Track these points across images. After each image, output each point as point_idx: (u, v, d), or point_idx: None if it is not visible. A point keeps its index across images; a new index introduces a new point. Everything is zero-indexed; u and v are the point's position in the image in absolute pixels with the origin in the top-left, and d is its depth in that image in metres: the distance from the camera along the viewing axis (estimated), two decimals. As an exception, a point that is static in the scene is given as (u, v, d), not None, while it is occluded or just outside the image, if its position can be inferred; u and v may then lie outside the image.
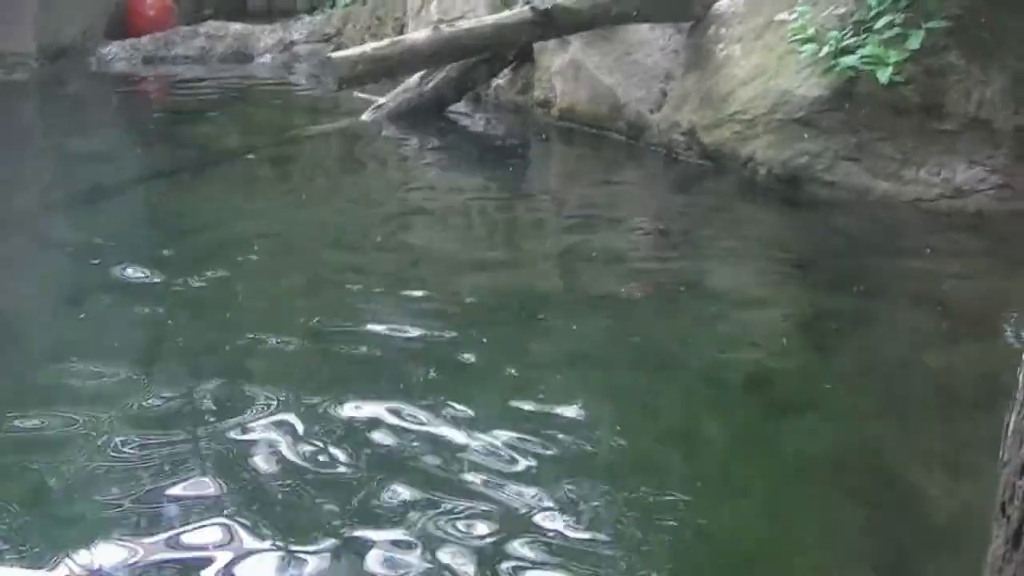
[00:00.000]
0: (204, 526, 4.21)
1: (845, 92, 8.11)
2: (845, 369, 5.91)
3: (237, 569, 3.97)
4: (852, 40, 8.07)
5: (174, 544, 4.09)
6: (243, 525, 4.19)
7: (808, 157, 8.25)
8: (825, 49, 8.11)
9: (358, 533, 4.19)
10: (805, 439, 5.19)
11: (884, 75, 7.74)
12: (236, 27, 13.99)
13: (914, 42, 7.83)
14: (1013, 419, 2.12)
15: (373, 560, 4.04)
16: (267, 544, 4.09)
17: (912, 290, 6.85)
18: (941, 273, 7.09)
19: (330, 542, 4.12)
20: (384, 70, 9.97)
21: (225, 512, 4.28)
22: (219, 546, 4.08)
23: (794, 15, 8.54)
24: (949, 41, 7.98)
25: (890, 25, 7.98)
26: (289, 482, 4.51)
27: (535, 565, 4.08)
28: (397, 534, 4.19)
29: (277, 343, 5.85)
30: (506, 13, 10.07)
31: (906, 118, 8.00)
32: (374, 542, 4.13)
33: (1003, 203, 7.79)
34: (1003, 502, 2.09)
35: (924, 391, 5.66)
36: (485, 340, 5.98)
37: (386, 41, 10.22)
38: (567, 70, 10.16)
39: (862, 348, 6.14)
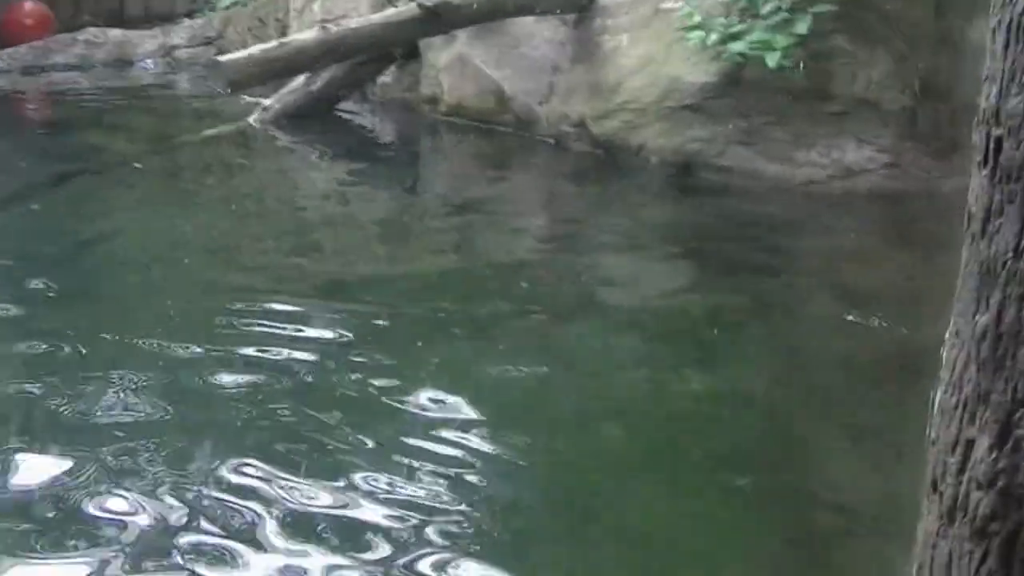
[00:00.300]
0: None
1: (734, 78, 8.17)
2: (748, 354, 5.94)
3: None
4: (739, 26, 8.12)
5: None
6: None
7: (700, 143, 8.30)
8: (713, 36, 8.15)
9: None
10: (709, 426, 5.21)
11: (773, 60, 7.80)
12: (115, 33, 13.75)
13: (801, 27, 7.89)
14: (939, 398, 2.12)
15: None
16: None
17: (809, 272, 6.91)
18: (836, 254, 7.16)
19: None
20: (274, 72, 9.86)
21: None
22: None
23: (680, 3, 8.58)
24: (836, 25, 8.06)
25: (776, 10, 8.04)
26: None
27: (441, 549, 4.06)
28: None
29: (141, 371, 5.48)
30: (394, 10, 10.00)
31: (795, 102, 8.08)
32: None
33: (893, 182, 7.89)
34: (934, 479, 2.09)
35: (827, 372, 5.71)
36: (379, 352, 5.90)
37: (274, 43, 10.11)
38: (454, 65, 10.12)
39: (763, 332, 6.19)
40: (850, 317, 6.16)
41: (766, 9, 8.07)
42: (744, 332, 6.23)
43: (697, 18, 8.32)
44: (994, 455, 1.92)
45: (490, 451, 4.76)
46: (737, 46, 8.01)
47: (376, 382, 5.35)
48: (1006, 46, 1.91)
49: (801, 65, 7.92)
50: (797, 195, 7.95)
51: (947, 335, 2.23)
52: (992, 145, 1.93)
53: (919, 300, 6.32)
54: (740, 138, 8.19)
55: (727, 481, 4.74)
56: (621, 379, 5.64)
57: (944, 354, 2.19)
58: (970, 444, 1.99)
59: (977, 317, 1.99)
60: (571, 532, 4.35)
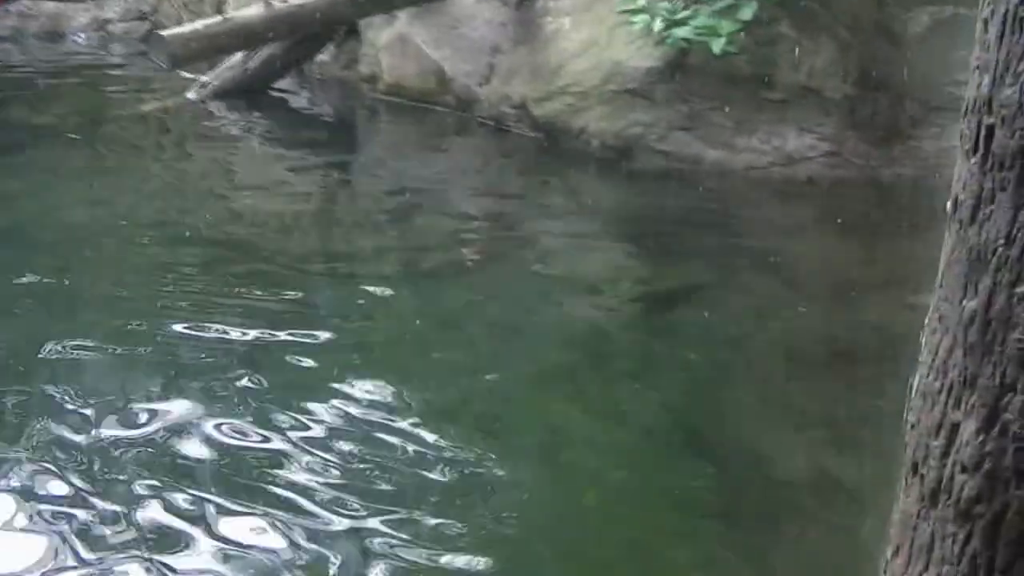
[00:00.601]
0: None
1: (677, 63, 8.19)
2: (688, 337, 5.98)
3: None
4: (684, 12, 8.14)
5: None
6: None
7: (641, 127, 8.32)
8: (657, 21, 8.16)
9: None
10: (650, 408, 5.24)
11: (717, 46, 7.83)
12: (49, 6, 13.57)
13: (746, 13, 7.93)
14: (921, 382, 2.14)
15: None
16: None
17: (748, 257, 6.95)
18: (775, 240, 7.21)
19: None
20: (217, 47, 9.79)
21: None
22: None
23: (620, -14, 8.58)
24: (780, 12, 8.11)
25: (717, -4, 8.08)
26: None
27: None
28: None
29: (80, 346, 5.52)
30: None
31: (738, 88, 8.12)
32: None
33: (833, 170, 7.95)
34: (915, 462, 2.11)
35: (766, 356, 5.76)
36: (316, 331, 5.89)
37: (218, 18, 10.03)
38: (394, 45, 10.08)
39: (702, 317, 6.22)
40: (781, 304, 6.21)
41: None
42: (684, 317, 6.27)
43: (641, 2, 8.33)
44: (981, 438, 1.94)
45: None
46: (681, 31, 8.03)
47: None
48: (1000, 36, 1.93)
49: (741, 51, 7.95)
50: (737, 181, 8.00)
51: (927, 320, 2.25)
52: (983, 133, 1.95)
53: (855, 286, 6.39)
54: (682, 123, 8.23)
55: (670, 465, 4.78)
56: (559, 360, 5.66)
57: (925, 339, 2.21)
58: (955, 428, 2.01)
59: (965, 303, 2.01)
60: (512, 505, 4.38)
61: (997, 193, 1.93)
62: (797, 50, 8.07)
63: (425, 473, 4.51)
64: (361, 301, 6.23)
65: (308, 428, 4.77)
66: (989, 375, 1.92)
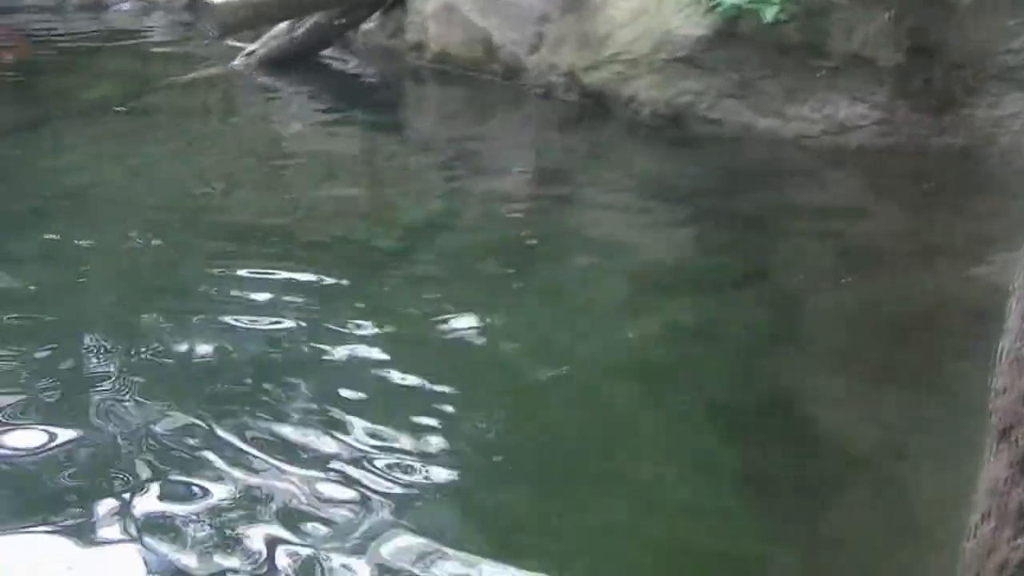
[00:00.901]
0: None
1: (727, 31, 8.14)
2: (743, 305, 5.95)
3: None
4: (733, -21, 8.09)
5: None
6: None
7: (692, 96, 8.29)
8: (708, -11, 8.13)
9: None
10: (710, 377, 5.21)
11: (769, 14, 7.77)
12: (91, -25, 13.62)
13: (803, -21, 7.87)
14: (1008, 347, 2.12)
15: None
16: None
17: (800, 226, 6.91)
18: (828, 208, 7.17)
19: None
20: (265, 16, 9.82)
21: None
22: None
23: (672, -45, 8.53)
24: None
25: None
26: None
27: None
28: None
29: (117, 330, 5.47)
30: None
31: (789, 56, 8.05)
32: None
33: (884, 138, 7.88)
34: (1005, 428, 2.09)
35: (823, 325, 5.73)
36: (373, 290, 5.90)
37: (267, -14, 10.05)
38: (440, 13, 10.06)
39: (758, 285, 6.19)
40: (847, 276, 6.17)
41: (762, -38, 8.05)
42: (741, 287, 6.24)
43: (692, -30, 8.29)
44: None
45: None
46: (728, 0, 7.98)
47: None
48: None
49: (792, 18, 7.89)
50: (788, 149, 7.95)
51: (1014, 286, 2.23)
52: None
53: (916, 255, 6.35)
54: (732, 91, 8.18)
55: (729, 432, 4.75)
56: (619, 332, 5.63)
57: (1013, 304, 2.19)
58: None
59: None
60: (558, 478, 4.37)
61: None
62: (848, 18, 7.99)
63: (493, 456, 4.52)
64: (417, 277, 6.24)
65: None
66: None
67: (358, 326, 5.44)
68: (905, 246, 6.51)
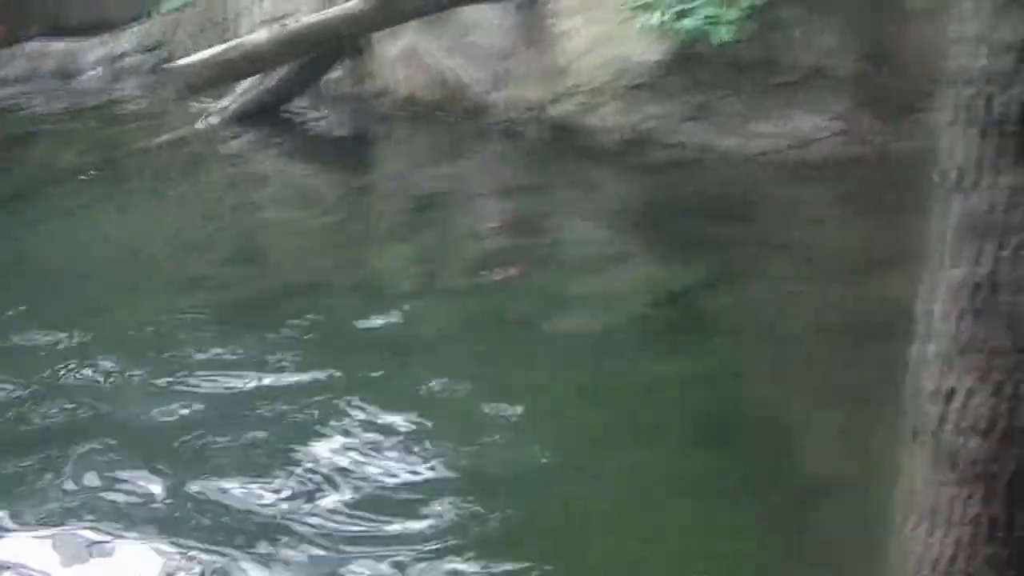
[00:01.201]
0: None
1: (685, 54, 8.21)
2: (716, 327, 6.01)
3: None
4: (691, 2, 8.13)
5: None
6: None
7: (655, 120, 8.36)
8: (663, 13, 8.17)
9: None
10: (682, 400, 5.27)
11: (726, 33, 7.83)
12: (59, 45, 13.68)
13: (754, -3, 7.93)
14: (921, 350, 2.17)
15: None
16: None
17: (771, 241, 6.97)
18: (796, 222, 7.23)
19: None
20: (230, 73, 9.86)
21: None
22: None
23: (626, -17, 8.60)
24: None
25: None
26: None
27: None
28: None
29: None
30: (347, 4, 9.99)
31: (746, 74, 8.13)
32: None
33: (846, 148, 7.95)
34: (919, 429, 2.15)
35: (794, 335, 5.78)
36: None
37: (227, 44, 10.08)
38: (405, 57, 10.13)
39: (729, 304, 6.26)
40: (801, 286, 6.22)
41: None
42: (710, 305, 6.30)
43: (649, -4, 8.36)
44: (992, 401, 1.97)
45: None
46: (688, 23, 8.03)
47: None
48: (982, 7, 1.97)
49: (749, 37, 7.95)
50: (754, 166, 8.02)
51: (923, 289, 2.28)
52: (983, 102, 1.98)
53: (879, 263, 6.39)
54: (694, 113, 8.26)
55: (706, 453, 4.80)
56: (590, 357, 5.70)
57: (921, 307, 2.24)
58: (958, 392, 2.05)
59: (963, 269, 2.04)
60: (550, 505, 4.42)
61: (997, 160, 1.96)
62: (803, 31, 8.07)
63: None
64: (393, 319, 6.28)
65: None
66: (996, 338, 1.95)
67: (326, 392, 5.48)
68: (868, 254, 6.56)
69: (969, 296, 2.05)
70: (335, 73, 10.79)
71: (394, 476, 4.59)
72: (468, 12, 9.78)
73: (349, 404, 5.16)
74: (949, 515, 2.12)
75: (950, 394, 2.12)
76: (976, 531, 2.09)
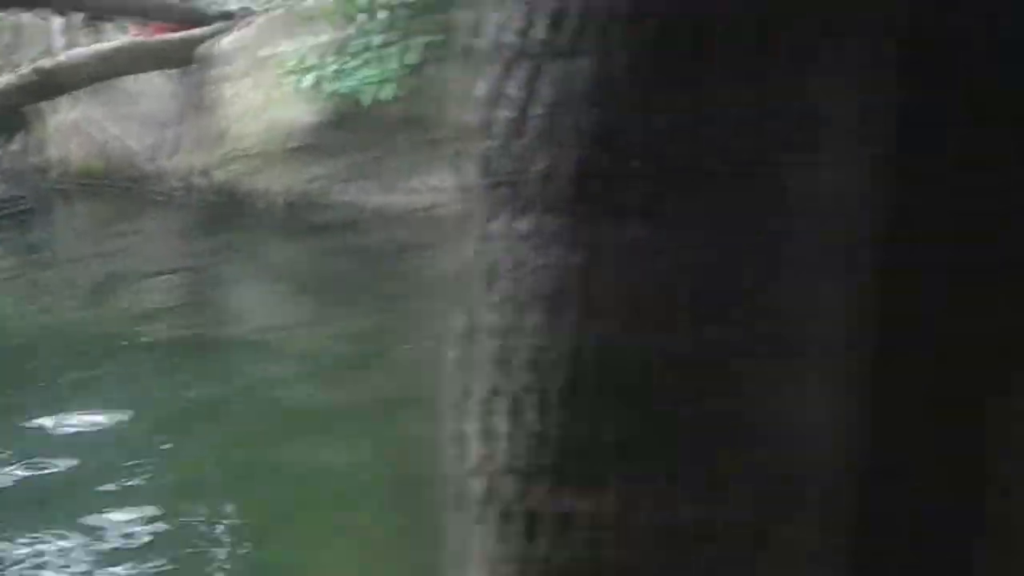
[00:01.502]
0: None
1: (340, 115, 8.34)
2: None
3: None
4: (351, 62, 8.30)
5: None
6: None
7: (318, 182, 8.46)
8: (320, 76, 8.31)
9: None
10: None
11: (385, 92, 7.97)
12: None
13: (412, 56, 8.10)
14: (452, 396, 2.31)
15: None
16: None
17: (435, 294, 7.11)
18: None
19: None
20: None
21: None
22: None
23: (287, 48, 8.70)
24: (440, 52, 8.25)
25: (382, 45, 8.26)
26: None
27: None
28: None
29: None
30: (11, 76, 9.86)
31: (398, 133, 8.26)
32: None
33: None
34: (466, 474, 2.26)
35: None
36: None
37: None
38: (74, 128, 10.02)
39: (390, 360, 6.43)
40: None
41: (373, 44, 8.27)
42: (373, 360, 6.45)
43: (308, 61, 8.43)
44: (517, 441, 2.11)
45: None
46: (346, 84, 8.17)
47: None
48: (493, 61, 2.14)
49: (393, 96, 8.12)
50: (417, 222, 8.14)
51: (440, 335, 2.42)
52: (486, 155, 2.13)
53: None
54: (353, 174, 8.39)
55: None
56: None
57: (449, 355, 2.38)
58: (488, 437, 2.18)
59: (463, 315, 2.19)
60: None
61: (498, 210, 2.11)
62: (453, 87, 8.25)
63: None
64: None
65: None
66: (465, 386, 2.11)
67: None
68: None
69: (468, 342, 2.20)
70: (14, 145, 10.59)
71: None
72: (134, 81, 9.75)
73: None
74: (490, 555, 2.23)
75: (483, 438, 2.24)
76: (522, 569, 2.21)
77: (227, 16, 9.50)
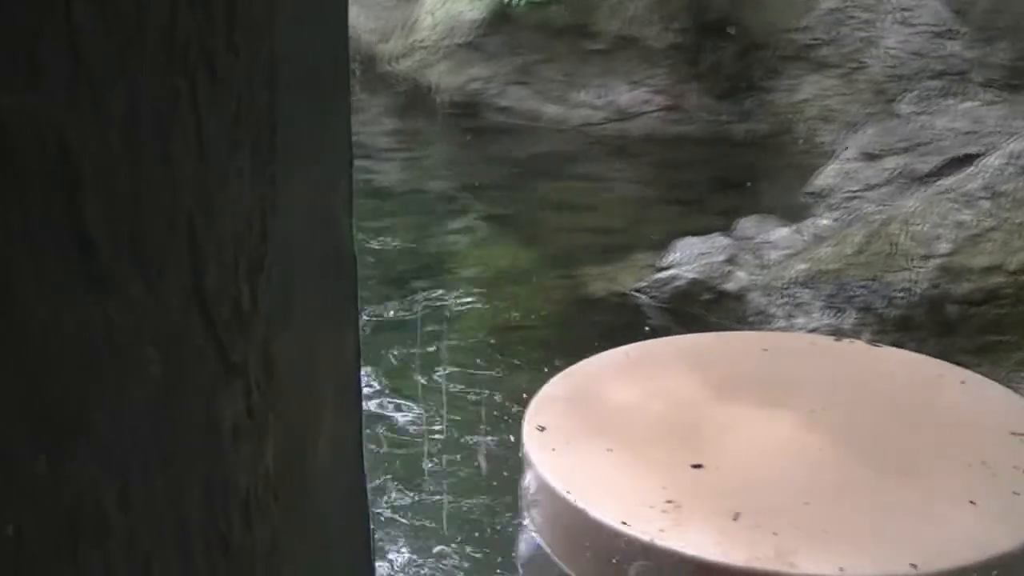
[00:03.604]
0: None
1: (501, 14, 7.70)
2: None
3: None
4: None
5: None
6: None
7: (480, 82, 7.86)
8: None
9: None
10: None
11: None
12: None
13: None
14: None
15: None
16: None
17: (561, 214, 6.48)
18: (573, 204, 6.70)
19: None
20: None
21: None
22: None
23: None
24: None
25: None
26: None
27: None
28: None
29: None
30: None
31: (559, 39, 7.57)
32: None
33: (671, 126, 7.33)
34: None
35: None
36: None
37: None
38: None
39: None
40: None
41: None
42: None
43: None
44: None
45: None
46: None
47: None
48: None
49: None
50: (574, 137, 7.46)
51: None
52: None
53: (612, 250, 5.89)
54: (516, 77, 7.73)
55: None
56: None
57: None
58: None
59: None
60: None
61: None
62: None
63: None
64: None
65: None
66: None
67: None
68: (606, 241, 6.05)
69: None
70: None
71: None
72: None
73: None
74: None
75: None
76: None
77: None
